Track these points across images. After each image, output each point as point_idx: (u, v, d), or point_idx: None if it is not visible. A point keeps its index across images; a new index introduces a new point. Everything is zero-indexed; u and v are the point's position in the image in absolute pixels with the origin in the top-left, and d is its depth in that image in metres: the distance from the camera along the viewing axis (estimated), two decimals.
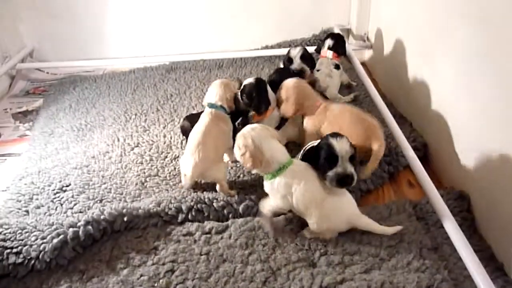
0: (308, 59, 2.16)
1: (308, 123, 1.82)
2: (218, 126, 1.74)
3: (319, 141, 1.50)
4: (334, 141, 1.41)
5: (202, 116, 1.79)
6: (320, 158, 1.43)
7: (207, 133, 1.69)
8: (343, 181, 1.40)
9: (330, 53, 2.30)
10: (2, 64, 2.86)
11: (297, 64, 2.12)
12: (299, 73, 2.11)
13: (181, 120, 2.11)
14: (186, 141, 1.86)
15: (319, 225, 1.43)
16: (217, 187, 1.70)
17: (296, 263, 1.38)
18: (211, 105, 1.81)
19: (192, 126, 1.81)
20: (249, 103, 1.83)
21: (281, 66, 2.39)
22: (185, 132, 1.95)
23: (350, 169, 1.41)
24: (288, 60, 2.16)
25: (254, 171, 1.49)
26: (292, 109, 1.81)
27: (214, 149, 1.67)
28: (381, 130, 1.71)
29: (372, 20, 2.76)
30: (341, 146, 1.40)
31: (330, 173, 1.40)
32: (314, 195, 1.42)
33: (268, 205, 1.51)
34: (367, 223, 1.44)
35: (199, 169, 1.64)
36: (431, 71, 1.87)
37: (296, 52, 2.13)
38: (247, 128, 1.48)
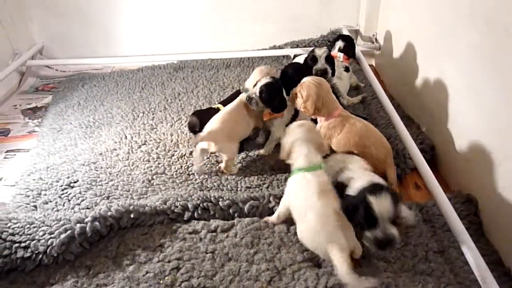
0: (331, 62, 2.12)
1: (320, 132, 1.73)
2: (239, 112, 1.82)
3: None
4: (373, 200, 1.24)
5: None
6: (357, 215, 1.27)
7: (228, 113, 1.79)
8: (383, 245, 1.26)
9: (341, 55, 2.28)
10: (13, 61, 2.89)
11: (321, 64, 2.08)
12: (322, 74, 2.07)
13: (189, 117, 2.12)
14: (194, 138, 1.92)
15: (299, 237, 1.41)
16: (221, 164, 1.81)
17: (301, 263, 1.38)
18: (244, 90, 1.89)
19: (200, 122, 1.82)
20: (268, 103, 1.82)
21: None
22: (193, 127, 1.96)
23: (391, 230, 1.24)
24: (312, 59, 2.11)
25: (289, 160, 1.52)
26: (312, 108, 1.69)
27: (229, 129, 1.75)
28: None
29: (380, 21, 2.75)
30: (382, 206, 1.23)
31: (369, 234, 1.26)
32: (298, 212, 1.39)
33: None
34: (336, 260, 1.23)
35: (212, 136, 1.73)
36: (439, 73, 1.86)
37: (321, 52, 2.09)
38: (298, 123, 1.55)
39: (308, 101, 1.68)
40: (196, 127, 1.90)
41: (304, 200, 1.36)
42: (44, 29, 3.11)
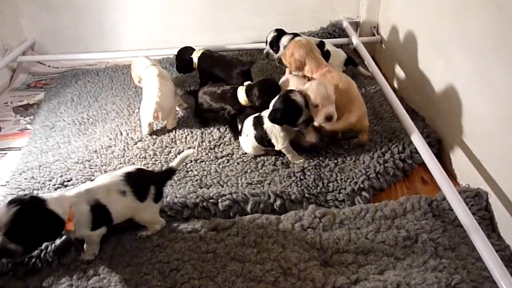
0: (275, 43, 2.25)
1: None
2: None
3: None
4: None
5: None
6: None
7: None
8: None
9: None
10: (3, 56, 2.80)
11: (267, 48, 2.30)
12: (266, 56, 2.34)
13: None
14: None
15: None
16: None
17: (308, 262, 1.32)
18: None
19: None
20: None
21: None
22: None
23: None
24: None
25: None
26: (295, 63, 1.87)
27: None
28: None
29: (382, 12, 2.69)
30: None
31: None
32: None
33: None
34: None
35: None
36: (446, 63, 1.80)
37: (269, 37, 2.27)
38: None
39: (292, 57, 1.88)
40: None
41: None
42: (35, 24, 3.01)
